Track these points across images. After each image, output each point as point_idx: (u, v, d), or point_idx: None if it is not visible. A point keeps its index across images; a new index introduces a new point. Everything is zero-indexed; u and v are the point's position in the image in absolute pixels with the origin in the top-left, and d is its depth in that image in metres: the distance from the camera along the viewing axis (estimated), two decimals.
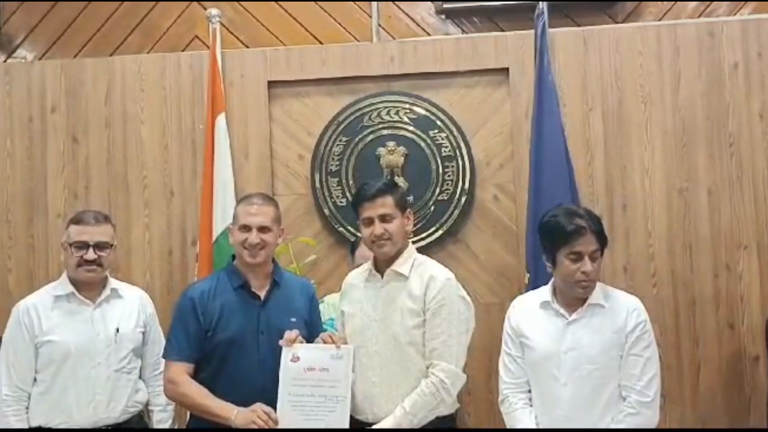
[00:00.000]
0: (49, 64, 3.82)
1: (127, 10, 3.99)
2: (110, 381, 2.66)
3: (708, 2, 3.76)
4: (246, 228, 2.55)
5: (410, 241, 2.60)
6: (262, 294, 2.58)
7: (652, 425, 2.39)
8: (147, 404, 2.81)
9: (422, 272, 2.48)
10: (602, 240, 2.42)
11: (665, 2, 3.78)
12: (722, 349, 3.44)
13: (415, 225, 3.44)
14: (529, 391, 2.49)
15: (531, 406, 2.47)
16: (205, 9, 3.78)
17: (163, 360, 2.60)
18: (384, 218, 2.48)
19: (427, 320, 2.43)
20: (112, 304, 2.74)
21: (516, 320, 2.53)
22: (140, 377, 2.80)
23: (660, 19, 3.73)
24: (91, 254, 2.64)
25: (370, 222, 2.50)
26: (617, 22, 3.74)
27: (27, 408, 2.62)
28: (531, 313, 2.51)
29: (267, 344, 2.51)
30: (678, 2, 3.78)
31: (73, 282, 2.70)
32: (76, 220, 2.69)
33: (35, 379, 2.63)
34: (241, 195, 3.50)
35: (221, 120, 3.54)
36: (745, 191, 3.48)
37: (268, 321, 2.55)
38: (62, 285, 2.71)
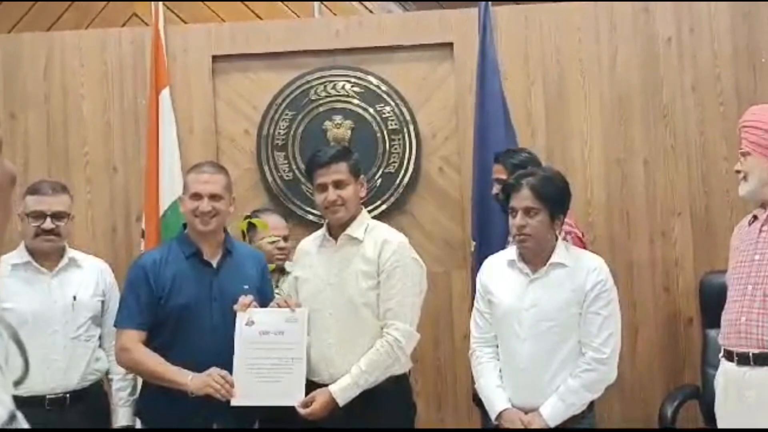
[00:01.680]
0: None
1: None
2: (68, 348, 2.66)
3: None
4: (197, 196, 2.53)
5: (362, 206, 2.64)
6: (215, 262, 2.58)
7: (609, 382, 2.49)
8: (107, 373, 2.80)
9: (376, 236, 2.52)
10: (543, 198, 2.46)
11: None
12: (658, 311, 3.58)
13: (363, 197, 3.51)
14: (497, 346, 2.57)
15: (497, 359, 2.56)
16: None
17: (116, 327, 2.56)
18: (338, 184, 2.50)
19: (381, 282, 2.47)
20: (70, 272, 2.74)
21: (485, 278, 2.62)
22: (100, 346, 2.78)
23: None
24: (48, 224, 2.64)
25: (323, 188, 2.52)
26: (556, 1, 3.84)
27: None
28: (498, 271, 2.60)
29: (220, 311, 2.51)
30: None
31: (31, 251, 2.69)
32: (33, 190, 2.67)
33: None
34: (187, 170, 3.49)
35: (165, 95, 3.49)
36: (678, 161, 3.62)
37: (220, 288, 2.55)
38: (19, 254, 2.69)
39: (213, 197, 2.54)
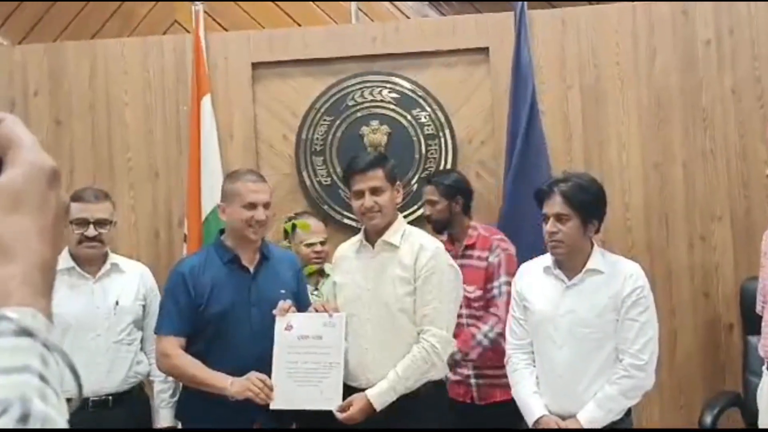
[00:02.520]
0: (31, 48, 3.81)
1: None
2: (110, 351, 2.72)
3: None
4: (252, 206, 2.55)
5: (398, 212, 2.67)
6: (252, 267, 2.62)
7: (646, 388, 2.49)
8: (148, 375, 2.86)
9: (412, 242, 2.54)
10: (574, 205, 2.47)
11: None
12: (698, 317, 3.55)
13: (399, 202, 3.54)
14: (533, 352, 2.59)
15: (533, 366, 2.58)
16: None
17: (157, 335, 2.61)
18: (374, 191, 2.52)
19: (417, 288, 2.49)
20: (113, 278, 2.81)
21: (520, 284, 2.64)
22: (142, 349, 2.85)
23: (635, 0, 3.82)
24: (91, 231, 2.70)
25: (360, 194, 2.54)
26: (593, 3, 3.83)
27: None
28: (534, 277, 2.61)
29: (258, 315, 2.55)
30: None
31: (74, 257, 2.75)
32: (77, 198, 2.72)
33: None
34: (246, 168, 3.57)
35: (206, 102, 3.56)
36: (718, 164, 3.59)
37: (258, 293, 2.58)
38: (63, 259, 2.74)
39: (265, 206, 2.60)
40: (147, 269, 2.98)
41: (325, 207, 3.68)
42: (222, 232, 2.70)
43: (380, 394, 2.43)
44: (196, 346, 2.55)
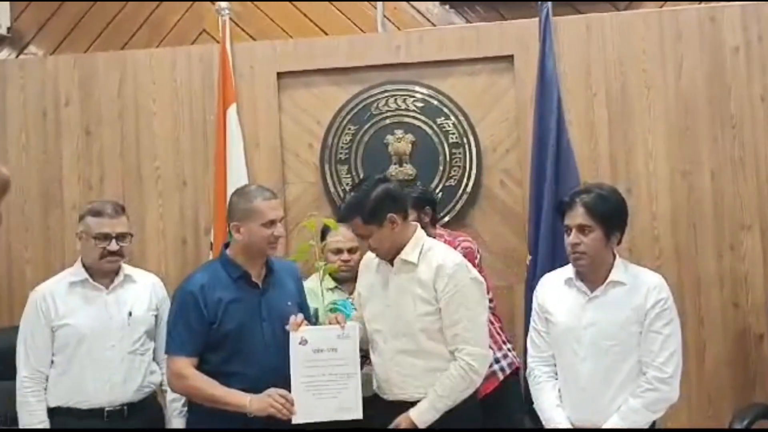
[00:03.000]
0: (62, 58, 3.89)
1: (135, 6, 4.05)
2: (125, 362, 2.74)
3: None
4: (273, 223, 2.57)
5: (417, 226, 2.64)
6: (260, 282, 2.64)
7: (671, 401, 2.46)
8: (161, 385, 2.87)
9: (431, 259, 2.52)
10: (597, 216, 2.46)
11: None
12: (727, 327, 3.50)
13: None
14: (554, 365, 2.57)
15: (555, 378, 2.56)
16: (213, 3, 3.84)
17: (168, 355, 2.57)
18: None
19: (442, 309, 2.48)
20: (126, 288, 2.83)
21: (542, 296, 2.63)
22: (153, 359, 2.87)
23: (661, 7, 3.79)
24: (114, 245, 2.74)
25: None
26: (619, 10, 3.80)
27: (45, 389, 2.70)
28: (556, 289, 2.60)
29: (269, 329, 2.58)
30: None
31: (88, 269, 2.79)
32: (96, 212, 2.75)
33: (52, 362, 2.72)
34: (253, 184, 3.58)
35: (232, 111, 3.61)
36: (747, 172, 3.53)
37: (268, 307, 2.61)
38: (76, 272, 2.80)
39: (281, 221, 2.63)
40: (158, 279, 3.00)
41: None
42: (226, 246, 2.70)
43: (421, 413, 2.45)
44: (209, 364, 2.54)
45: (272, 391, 2.45)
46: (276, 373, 2.51)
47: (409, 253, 2.54)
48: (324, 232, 3.20)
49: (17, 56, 4.06)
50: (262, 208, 2.58)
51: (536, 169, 3.41)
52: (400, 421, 2.46)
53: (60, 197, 3.80)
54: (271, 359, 2.55)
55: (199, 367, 2.54)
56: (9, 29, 4.04)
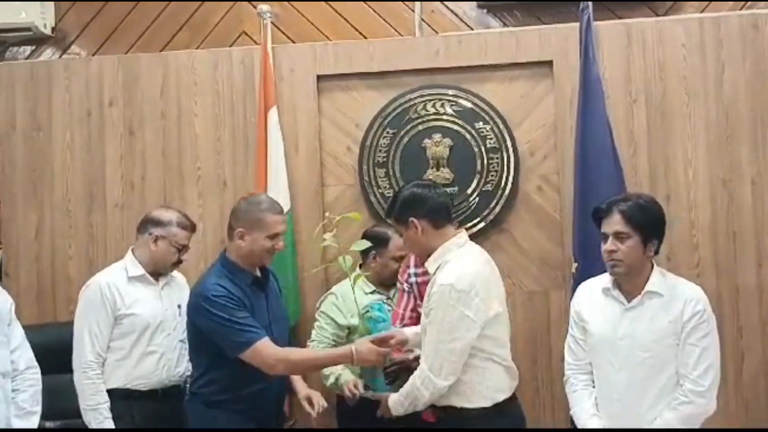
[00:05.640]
0: (107, 59, 3.96)
1: (176, 7, 4.10)
2: (177, 349, 3.05)
3: None
4: (277, 236, 2.71)
5: (454, 237, 2.58)
6: (262, 287, 2.78)
7: (707, 414, 2.45)
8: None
9: (438, 273, 2.52)
10: (634, 223, 2.46)
11: None
12: (765, 338, 3.48)
13: (460, 215, 3.56)
14: (592, 373, 2.58)
15: (593, 386, 2.57)
16: (255, 7, 3.88)
17: (246, 350, 2.58)
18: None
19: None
20: (172, 285, 3.14)
21: (579, 305, 2.63)
22: None
23: (701, 12, 3.76)
24: (185, 256, 3.09)
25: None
26: (658, 15, 3.78)
27: (102, 373, 2.95)
28: (593, 298, 2.60)
29: (277, 330, 2.74)
30: None
31: (144, 265, 3.05)
32: (185, 226, 3.07)
33: (109, 347, 2.95)
34: (293, 186, 3.65)
35: (273, 114, 3.65)
36: None
37: (272, 309, 2.77)
38: (134, 267, 3.06)
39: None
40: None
41: (388, 219, 3.72)
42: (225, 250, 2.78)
43: (392, 401, 2.57)
44: (230, 366, 2.61)
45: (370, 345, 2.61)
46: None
47: (430, 264, 2.56)
48: (381, 240, 3.20)
49: (60, 56, 4.13)
50: (269, 222, 2.70)
51: (580, 175, 3.40)
52: (381, 397, 2.62)
53: (103, 196, 3.87)
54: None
55: (219, 368, 2.64)
56: (54, 29, 4.11)
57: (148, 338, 2.97)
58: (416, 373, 2.49)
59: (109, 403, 2.90)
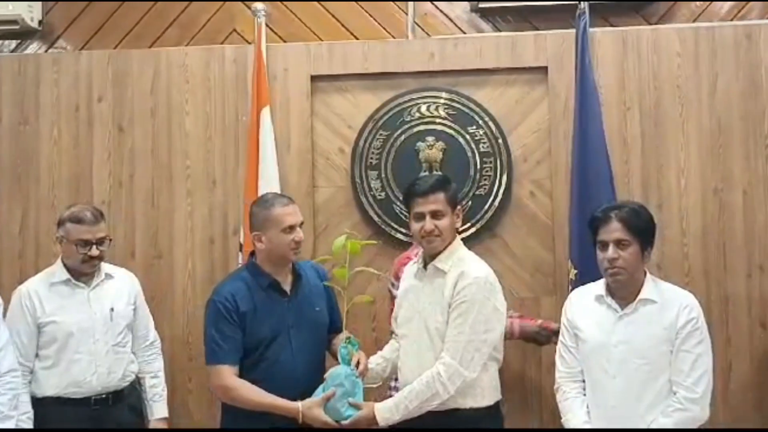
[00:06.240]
0: (96, 54, 3.89)
1: (166, 3, 4.04)
2: (109, 354, 2.95)
3: (742, 2, 3.78)
4: (292, 228, 2.63)
5: (457, 235, 2.65)
6: (288, 289, 2.68)
7: (701, 421, 2.46)
8: (138, 372, 3.08)
9: (458, 269, 2.52)
10: (633, 230, 2.47)
11: (699, 3, 3.81)
12: (754, 348, 3.49)
13: None
14: (583, 381, 2.57)
15: (584, 395, 2.56)
16: (249, 8, 3.82)
17: (209, 365, 2.61)
18: (435, 214, 2.53)
19: (450, 314, 2.49)
20: (106, 285, 3.02)
21: (571, 312, 2.62)
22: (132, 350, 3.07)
23: (694, 21, 3.77)
24: (94, 251, 2.91)
25: (421, 217, 2.55)
26: (651, 23, 3.79)
27: (30, 381, 2.88)
28: (585, 305, 2.60)
29: (297, 336, 2.63)
30: (712, 2, 3.80)
31: (69, 269, 2.96)
32: (77, 219, 2.90)
33: (37, 355, 2.90)
34: (284, 187, 3.60)
35: (266, 113, 3.61)
36: None
37: (296, 315, 2.65)
38: (58, 272, 2.97)
39: (300, 226, 2.68)
40: (133, 275, 3.20)
41: (378, 221, 3.70)
42: (252, 254, 2.74)
43: (385, 408, 2.49)
44: (241, 371, 2.59)
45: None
46: (302, 380, 2.57)
47: (442, 261, 2.55)
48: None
49: (47, 50, 4.06)
50: (279, 215, 2.63)
51: (577, 180, 3.39)
52: (363, 406, 2.50)
53: (90, 192, 3.80)
54: (299, 364, 2.60)
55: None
56: (40, 22, 4.04)
57: (74, 345, 2.88)
58: (436, 369, 2.44)
59: (30, 414, 2.80)
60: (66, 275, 2.95)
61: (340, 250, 2.63)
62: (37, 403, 2.86)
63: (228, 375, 2.56)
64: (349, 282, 2.62)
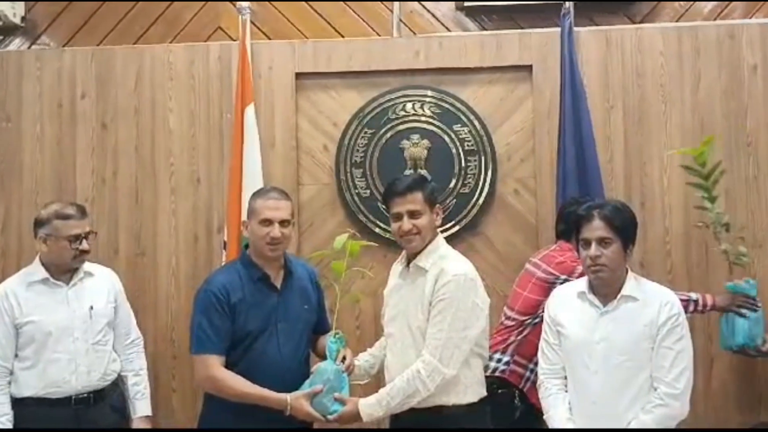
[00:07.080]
0: (80, 51, 3.87)
1: (150, 1, 4.01)
2: (89, 353, 2.90)
3: (725, 2, 3.81)
4: (268, 222, 2.60)
5: (439, 233, 2.66)
6: (279, 284, 2.67)
7: (681, 417, 2.47)
8: (120, 371, 3.04)
9: (439, 266, 2.53)
10: (616, 228, 2.48)
11: (682, 2, 3.83)
12: None
13: None
14: (565, 377, 2.58)
15: (566, 391, 2.57)
16: (234, 5, 3.82)
17: (195, 354, 2.60)
18: (413, 214, 2.54)
19: (431, 312, 2.50)
20: (85, 284, 2.97)
21: (554, 309, 2.63)
22: (113, 348, 3.02)
23: (677, 20, 3.80)
24: (85, 245, 2.89)
25: (399, 217, 2.56)
26: (635, 23, 3.81)
27: (9, 382, 2.84)
28: (568, 302, 2.61)
29: (284, 332, 2.62)
30: (695, 2, 3.83)
31: (47, 267, 2.91)
32: (64, 216, 2.88)
33: (16, 356, 2.85)
34: (268, 184, 3.58)
35: (250, 111, 3.60)
36: (761, 190, 3.56)
37: (285, 310, 2.65)
38: (36, 271, 2.92)
39: (282, 223, 2.62)
40: (114, 272, 3.15)
41: (363, 219, 3.70)
42: (247, 246, 2.73)
43: (368, 405, 2.50)
44: (227, 362, 2.58)
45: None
46: (287, 374, 2.56)
47: (423, 259, 2.56)
48: None
49: (29, 47, 4.03)
50: (259, 207, 2.63)
51: (562, 178, 3.41)
52: (353, 406, 2.50)
53: (73, 190, 3.78)
54: (283, 361, 2.59)
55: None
56: (23, 18, 4.01)
57: (53, 345, 2.84)
58: (416, 367, 2.45)
59: (9, 416, 2.79)
60: (44, 274, 2.91)
61: (340, 249, 2.64)
62: (18, 404, 2.82)
63: (215, 365, 2.55)
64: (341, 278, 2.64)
